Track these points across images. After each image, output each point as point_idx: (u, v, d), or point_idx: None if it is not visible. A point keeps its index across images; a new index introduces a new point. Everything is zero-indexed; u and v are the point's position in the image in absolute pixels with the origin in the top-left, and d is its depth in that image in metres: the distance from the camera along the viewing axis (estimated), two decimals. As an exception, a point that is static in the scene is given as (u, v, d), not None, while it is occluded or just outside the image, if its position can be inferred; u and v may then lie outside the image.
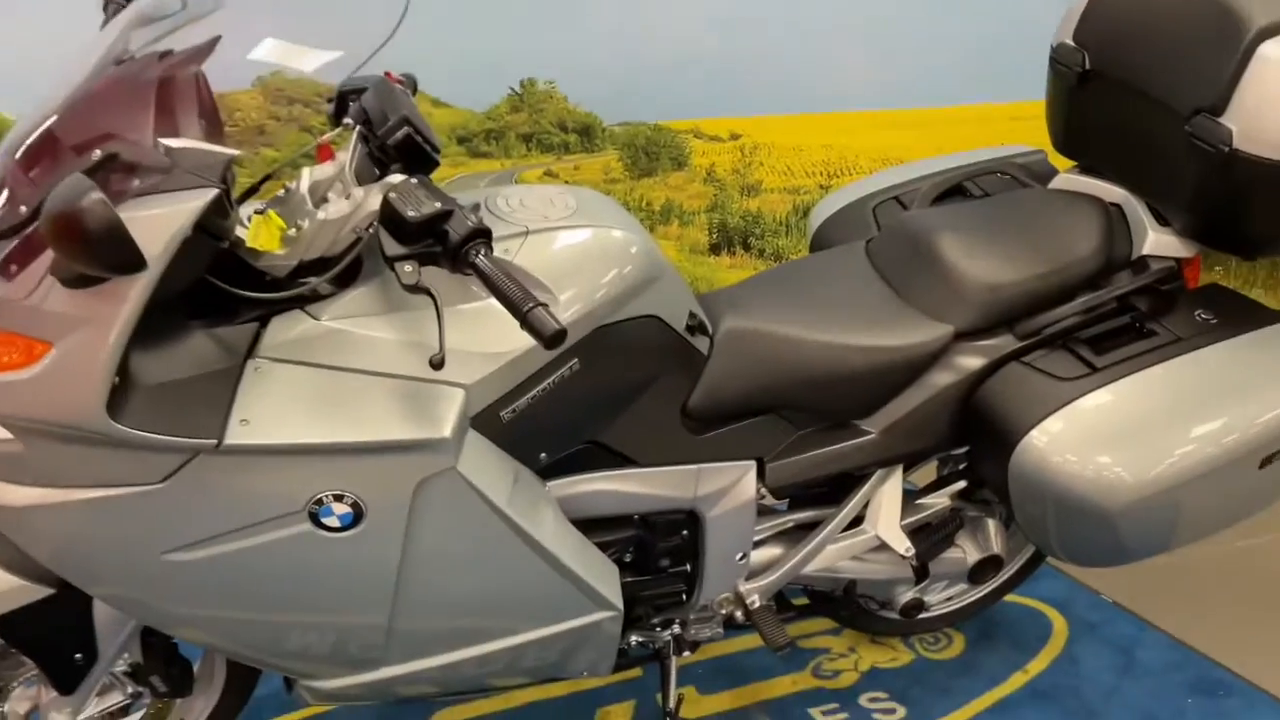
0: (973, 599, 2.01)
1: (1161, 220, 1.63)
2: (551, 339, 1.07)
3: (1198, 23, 1.50)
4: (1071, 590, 2.20)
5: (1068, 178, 1.78)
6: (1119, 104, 1.64)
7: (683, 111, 2.75)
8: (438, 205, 1.12)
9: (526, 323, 1.08)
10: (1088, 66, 1.67)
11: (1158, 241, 1.62)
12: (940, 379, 1.57)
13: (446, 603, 1.34)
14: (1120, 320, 1.58)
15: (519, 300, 1.08)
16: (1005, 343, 1.58)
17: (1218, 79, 1.45)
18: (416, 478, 1.21)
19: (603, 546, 1.50)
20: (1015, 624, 2.11)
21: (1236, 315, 1.56)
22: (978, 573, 1.84)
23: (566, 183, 2.73)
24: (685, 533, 1.57)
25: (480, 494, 1.25)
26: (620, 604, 1.44)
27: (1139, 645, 2.03)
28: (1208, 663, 1.96)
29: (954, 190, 1.89)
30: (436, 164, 1.22)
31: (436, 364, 1.12)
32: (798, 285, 1.67)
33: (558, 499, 1.43)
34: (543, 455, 1.39)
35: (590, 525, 1.49)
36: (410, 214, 1.11)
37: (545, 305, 1.08)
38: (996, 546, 1.82)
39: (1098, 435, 1.45)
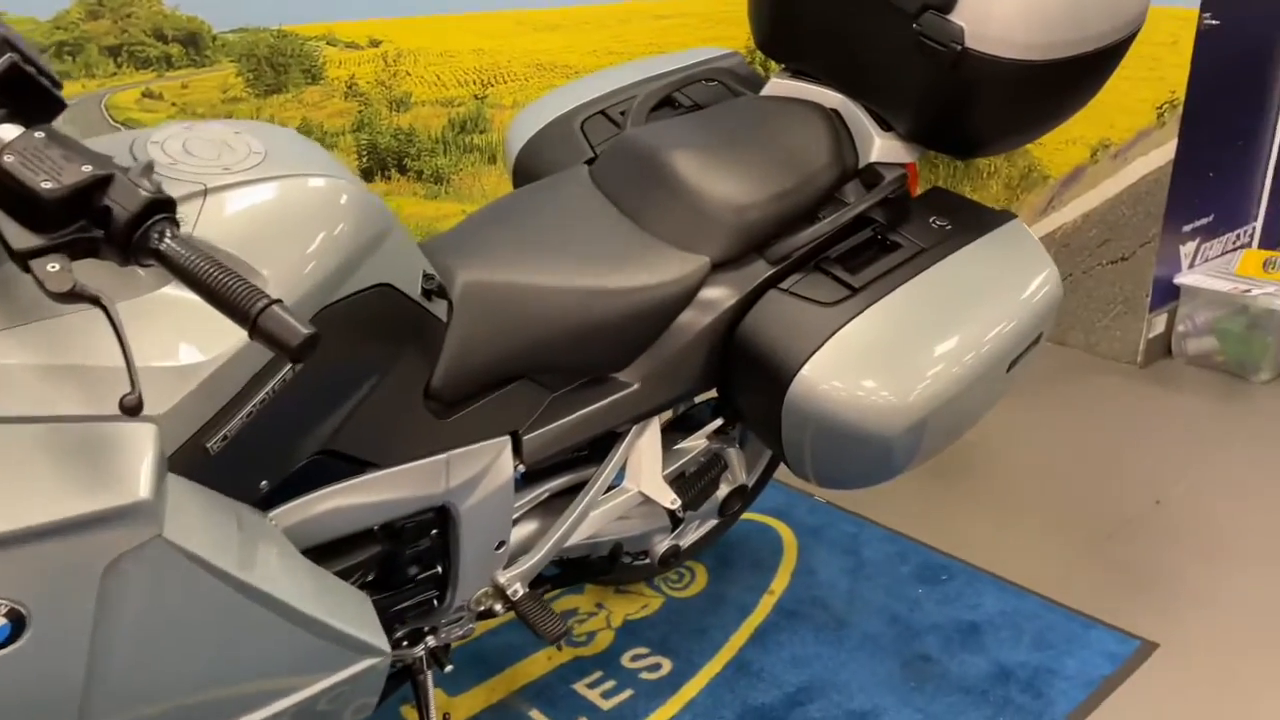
0: (716, 528, 1.94)
1: (884, 125, 1.58)
2: (300, 348, 0.76)
3: None
4: (790, 499, 2.21)
5: (780, 83, 1.67)
6: (835, 2, 1.55)
7: (310, 13, 2.33)
8: (87, 168, 0.76)
9: (259, 330, 0.76)
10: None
11: (884, 148, 1.57)
12: (699, 316, 1.42)
13: (159, 696, 1.00)
14: (864, 234, 1.51)
15: (242, 299, 0.76)
16: (759, 269, 1.45)
17: None
18: (105, 559, 0.85)
19: (345, 574, 1.21)
20: (747, 544, 2.08)
21: (967, 219, 1.55)
22: (727, 505, 1.75)
23: (175, 106, 2.22)
24: (435, 532, 1.32)
25: (195, 559, 0.91)
26: (385, 643, 1.16)
27: (863, 544, 2.08)
28: (927, 550, 2.06)
29: (664, 102, 1.72)
30: (62, 105, 0.83)
31: (130, 407, 0.76)
32: (527, 224, 1.42)
33: (284, 531, 1.11)
34: (263, 484, 1.06)
35: (323, 552, 1.19)
36: (46, 186, 0.74)
37: (279, 302, 0.77)
38: (744, 475, 1.75)
39: (867, 361, 1.37)
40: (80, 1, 2.07)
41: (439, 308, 1.21)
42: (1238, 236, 3.10)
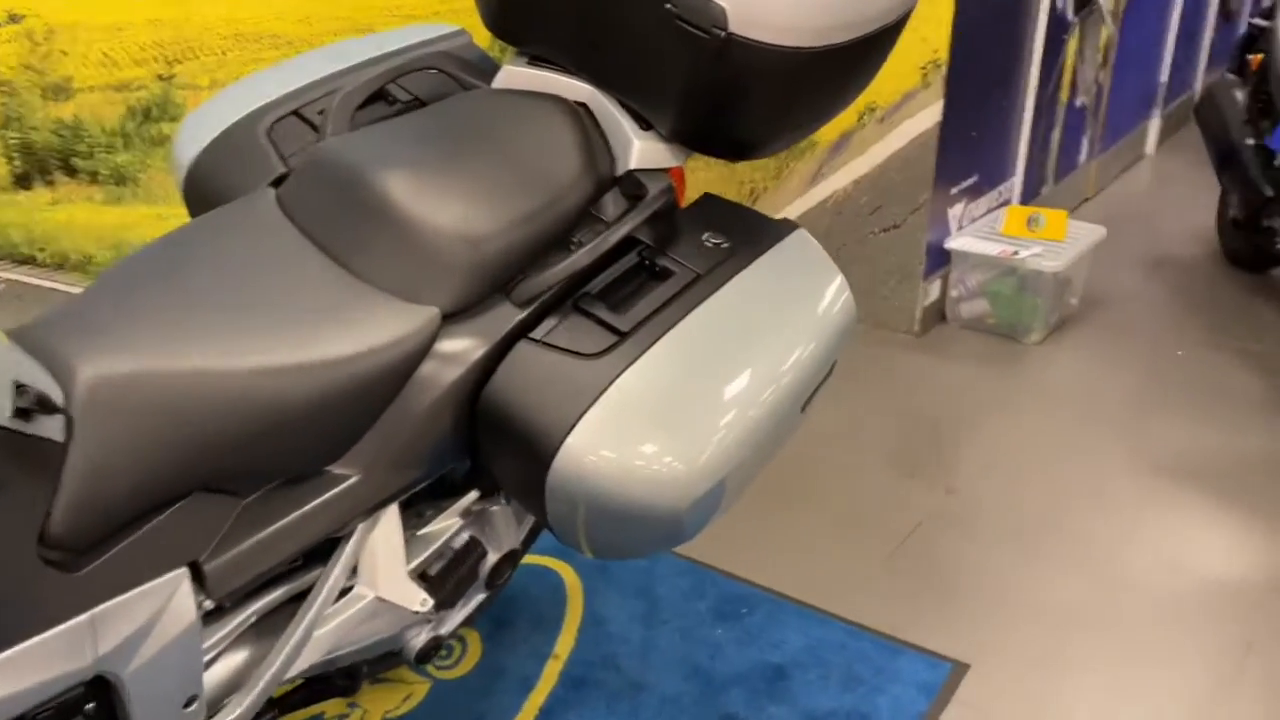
0: (485, 600, 1.66)
1: (643, 123, 1.32)
2: None
3: None
4: (570, 530, 1.97)
5: (515, 72, 1.37)
6: None
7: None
8: None
9: None
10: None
11: (645, 151, 1.30)
12: (432, 382, 1.12)
13: None
14: (629, 261, 1.25)
15: None
16: (504, 316, 1.17)
17: None
18: None
19: None
20: (525, 596, 1.81)
21: (747, 234, 1.32)
22: (495, 575, 1.48)
23: None
24: (94, 706, 0.98)
25: None
26: None
27: (656, 580, 1.86)
28: (723, 579, 1.86)
29: (375, 97, 1.39)
30: None
31: None
32: (188, 277, 1.07)
33: None
34: None
35: None
36: None
37: None
38: (512, 539, 1.47)
39: (645, 423, 1.12)
40: None
41: (47, 425, 0.86)
42: (999, 193, 3.08)
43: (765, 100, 1.24)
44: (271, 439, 1.01)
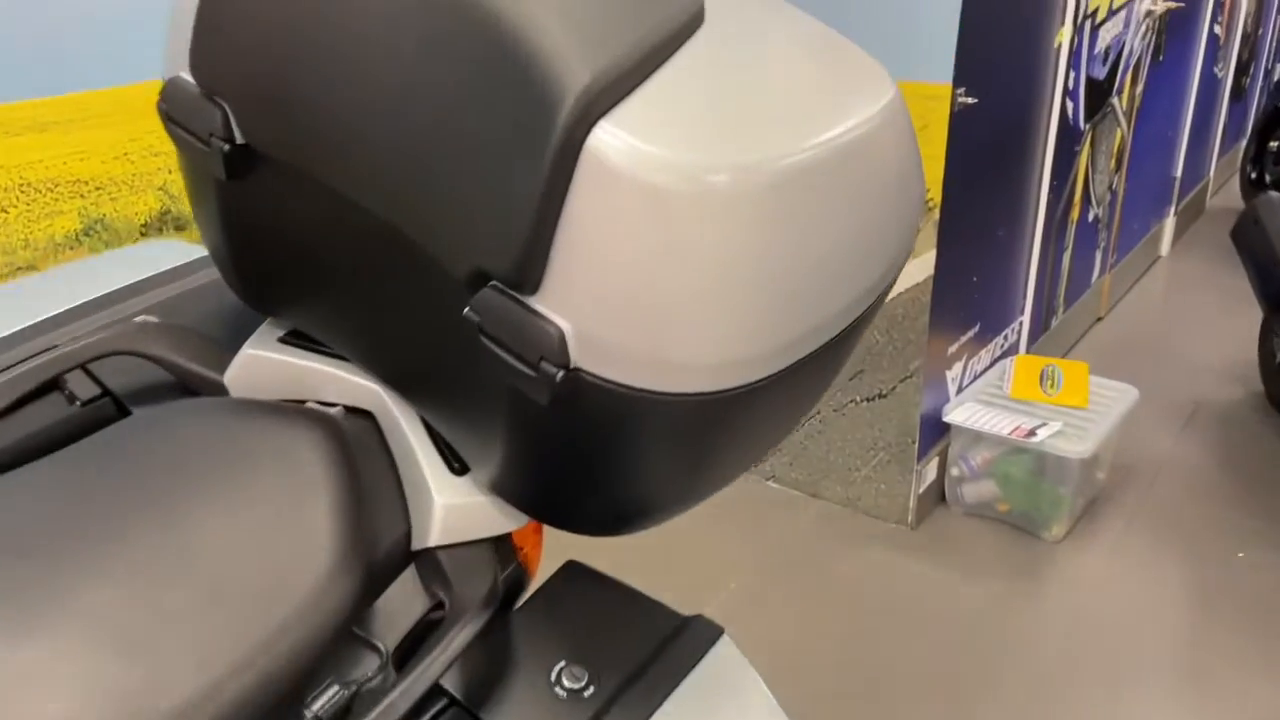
0: None
1: (458, 461, 0.78)
2: None
3: (456, 61, 0.62)
4: None
5: (260, 357, 0.84)
6: (327, 223, 0.73)
7: None
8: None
9: None
10: (237, 138, 0.73)
11: (456, 515, 0.76)
12: None
13: None
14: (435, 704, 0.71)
15: None
16: None
17: (512, 213, 0.60)
18: None
19: None
20: None
21: (630, 659, 0.77)
22: None
23: None
24: None
25: None
26: None
27: None
28: None
29: (41, 391, 0.85)
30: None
31: None
32: None
33: None
34: None
35: None
36: None
37: None
38: None
39: None
40: None
41: None
42: (1005, 338, 2.56)
43: (647, 461, 0.70)
44: None
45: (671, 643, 0.77)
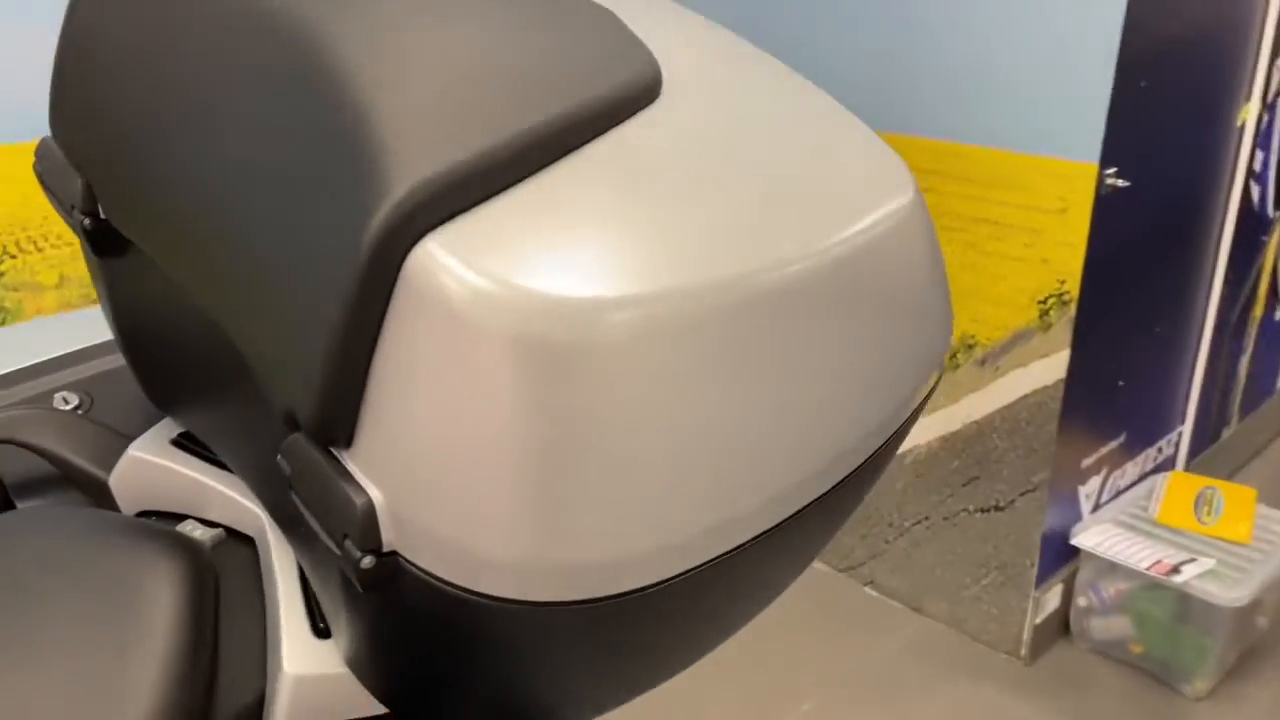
0: None
1: (323, 624, 0.64)
2: None
3: (287, 138, 0.48)
4: None
5: (143, 460, 0.72)
6: (183, 317, 0.61)
7: None
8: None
9: None
10: (100, 213, 0.62)
11: (306, 685, 0.61)
12: None
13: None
14: None
15: None
16: None
17: (319, 343, 0.46)
18: None
19: None
20: None
21: None
22: None
23: None
24: None
25: None
26: None
27: None
28: None
29: None
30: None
31: None
32: None
33: None
34: None
35: None
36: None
37: None
38: None
39: None
40: None
41: None
42: (1159, 450, 2.24)
43: (500, 672, 0.54)
44: None
45: None
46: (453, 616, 0.47)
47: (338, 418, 0.44)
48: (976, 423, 1.94)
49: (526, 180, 0.43)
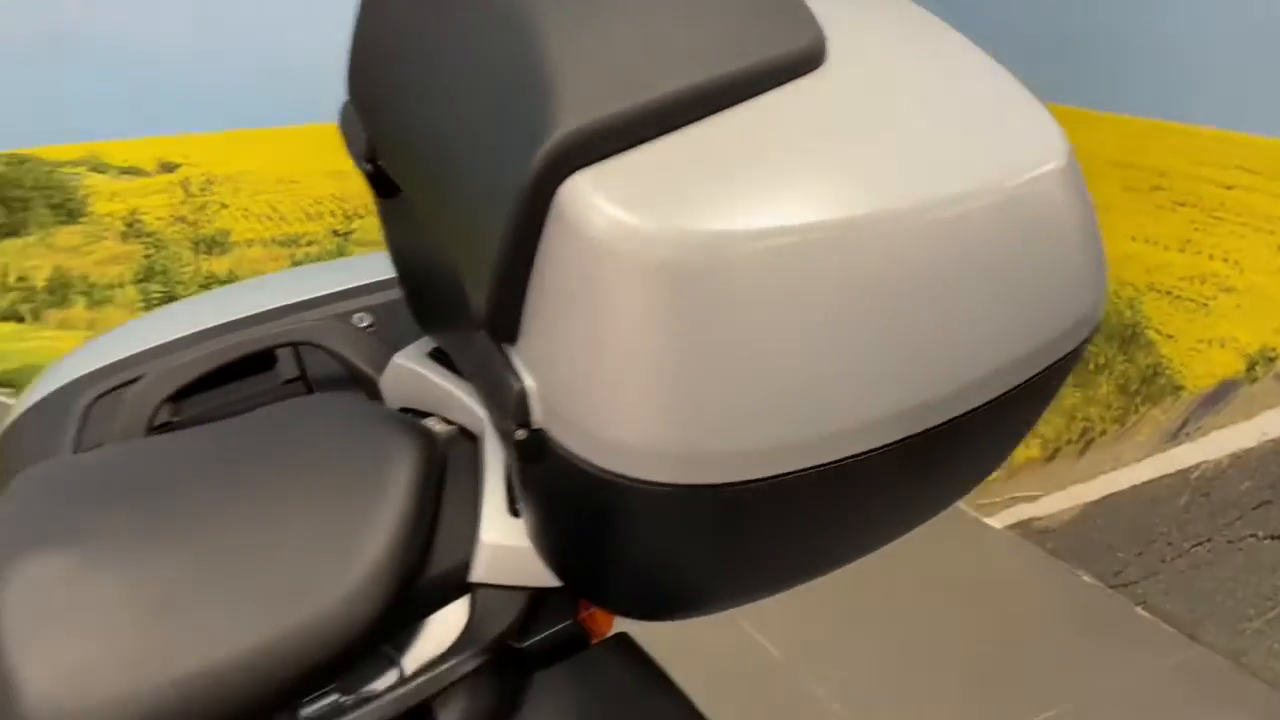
0: None
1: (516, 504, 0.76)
2: None
3: (485, 79, 0.60)
4: None
5: (403, 367, 0.88)
6: (428, 250, 0.75)
7: (60, 131, 1.74)
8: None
9: None
10: (377, 160, 0.77)
11: (499, 557, 0.74)
12: None
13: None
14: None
15: None
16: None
17: (483, 258, 0.56)
18: None
19: None
20: None
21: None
22: None
23: None
24: None
25: None
26: None
27: None
28: None
29: (256, 361, 0.97)
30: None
31: None
32: None
33: None
34: None
35: None
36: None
37: None
38: None
39: None
40: None
41: None
42: None
43: (641, 547, 0.62)
44: None
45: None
46: (594, 494, 0.57)
47: (504, 318, 0.55)
48: (1273, 441, 1.78)
49: (675, 131, 0.52)
